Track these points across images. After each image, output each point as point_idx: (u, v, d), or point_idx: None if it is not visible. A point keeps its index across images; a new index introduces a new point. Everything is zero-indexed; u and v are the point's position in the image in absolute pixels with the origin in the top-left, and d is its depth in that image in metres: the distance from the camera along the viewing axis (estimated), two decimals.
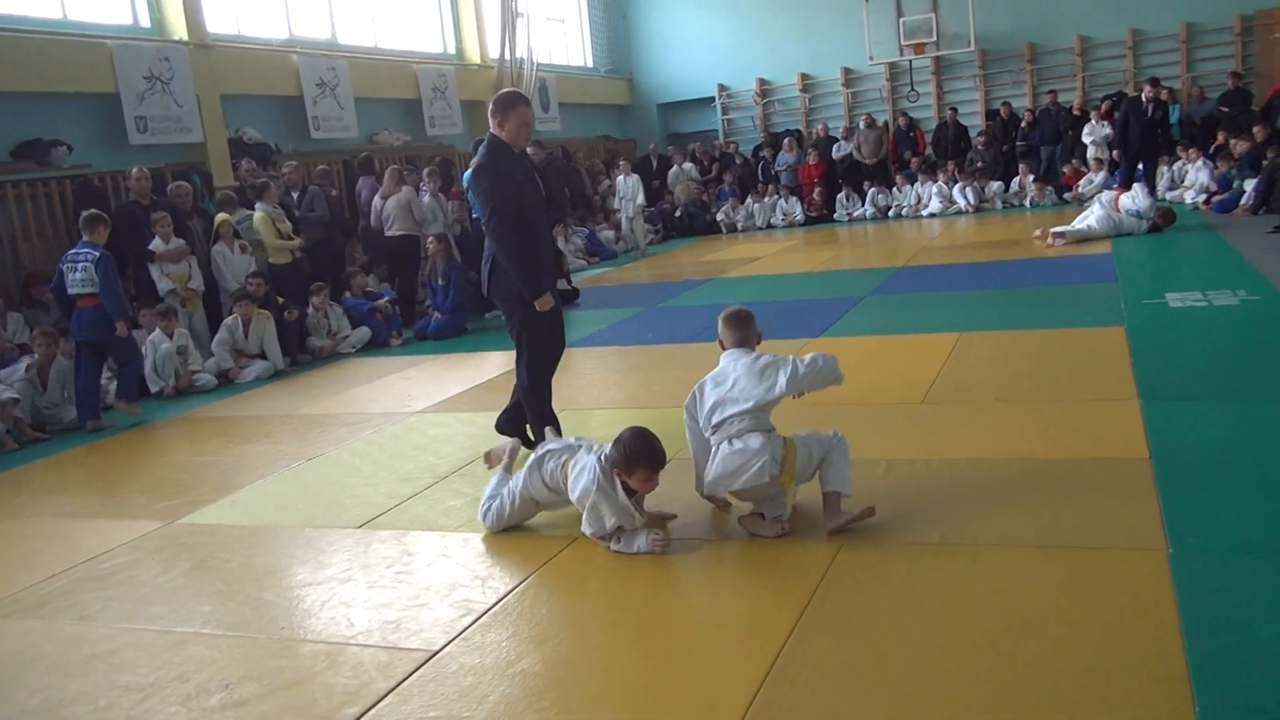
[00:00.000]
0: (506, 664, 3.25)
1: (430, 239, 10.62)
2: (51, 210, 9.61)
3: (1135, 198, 11.75)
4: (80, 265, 7.33)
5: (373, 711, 3.05)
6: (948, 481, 4.46)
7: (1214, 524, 3.71)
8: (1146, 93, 13.34)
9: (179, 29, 11.24)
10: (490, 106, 5.12)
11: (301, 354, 9.44)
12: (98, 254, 7.33)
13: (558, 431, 5.37)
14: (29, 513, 5.57)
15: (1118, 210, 11.64)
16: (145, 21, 11.20)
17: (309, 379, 8.61)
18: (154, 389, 8.38)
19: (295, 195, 10.72)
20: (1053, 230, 11.53)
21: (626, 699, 2.98)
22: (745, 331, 4.36)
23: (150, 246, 9.00)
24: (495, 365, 8.36)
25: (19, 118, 9.66)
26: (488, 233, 5.18)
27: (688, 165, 18.57)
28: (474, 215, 10.86)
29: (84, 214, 7.65)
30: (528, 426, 5.61)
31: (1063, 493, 4.17)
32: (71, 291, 7.34)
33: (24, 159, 9.61)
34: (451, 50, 16.49)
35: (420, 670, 3.27)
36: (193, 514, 5.17)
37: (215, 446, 6.62)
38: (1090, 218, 11.64)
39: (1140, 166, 13.58)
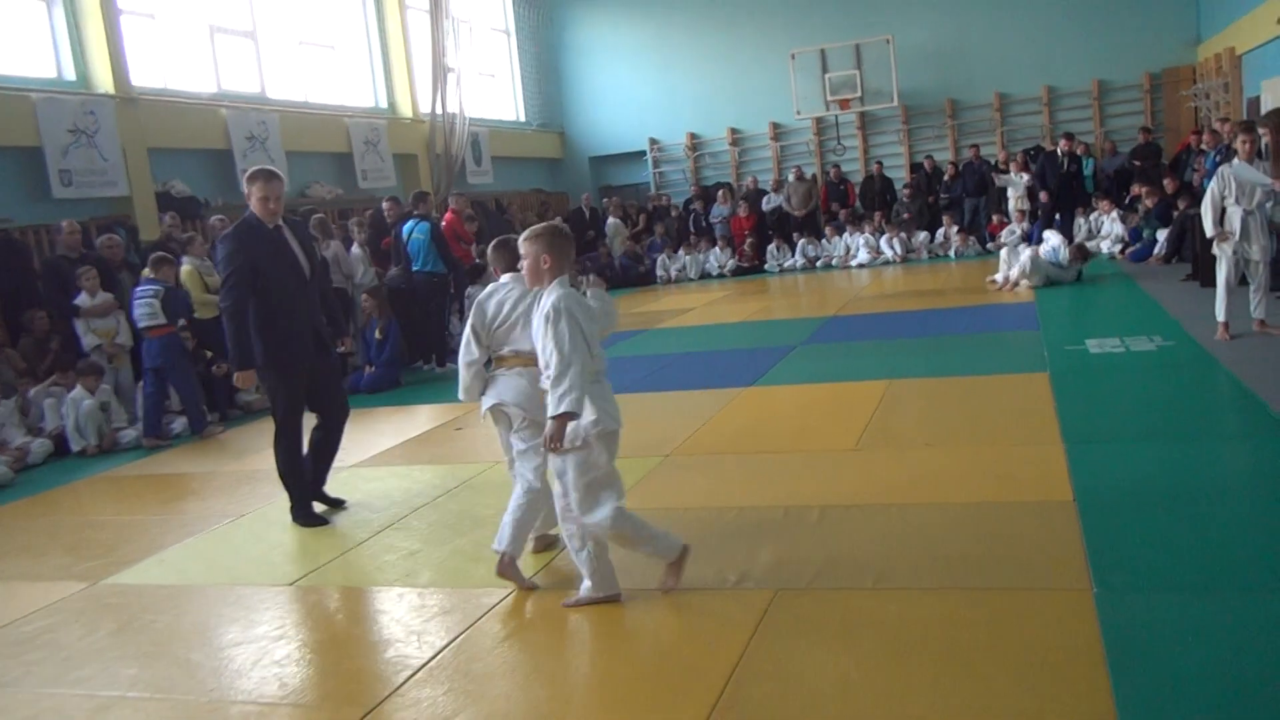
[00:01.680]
0: None
1: (364, 294, 10.55)
2: None
3: (1052, 247, 12.13)
4: (143, 300, 8.34)
5: None
6: (880, 526, 4.52)
7: (1137, 563, 3.82)
8: (1062, 146, 13.86)
9: (105, 82, 11.11)
10: (244, 181, 5.40)
11: (230, 409, 9.27)
12: (163, 289, 8.42)
13: (307, 517, 5.58)
14: None
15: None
16: (70, 74, 11.05)
17: (237, 435, 8.47)
18: (75, 448, 8.15)
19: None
20: (996, 277, 12.00)
21: None
22: (516, 257, 4.10)
23: (76, 301, 8.81)
24: (427, 418, 8.31)
25: None
26: (220, 300, 5.47)
27: (613, 220, 18.77)
28: (412, 266, 10.87)
29: (152, 255, 8.84)
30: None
31: (991, 535, 4.26)
32: (140, 325, 8.41)
33: None
34: (383, 104, 16.50)
35: None
36: (118, 574, 5.03)
37: (140, 505, 6.46)
38: (1019, 265, 11.94)
39: (1057, 217, 14.06)
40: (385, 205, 11.30)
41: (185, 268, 9.71)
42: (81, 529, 6.04)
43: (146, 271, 8.65)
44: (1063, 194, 13.94)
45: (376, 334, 10.18)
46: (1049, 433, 5.71)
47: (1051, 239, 12.37)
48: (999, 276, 12.14)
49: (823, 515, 4.73)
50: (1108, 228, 15.01)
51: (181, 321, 8.79)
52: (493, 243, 4.71)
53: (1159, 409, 6.24)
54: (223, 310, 5.40)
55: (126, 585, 4.87)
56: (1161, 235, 13.33)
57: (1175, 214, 13.34)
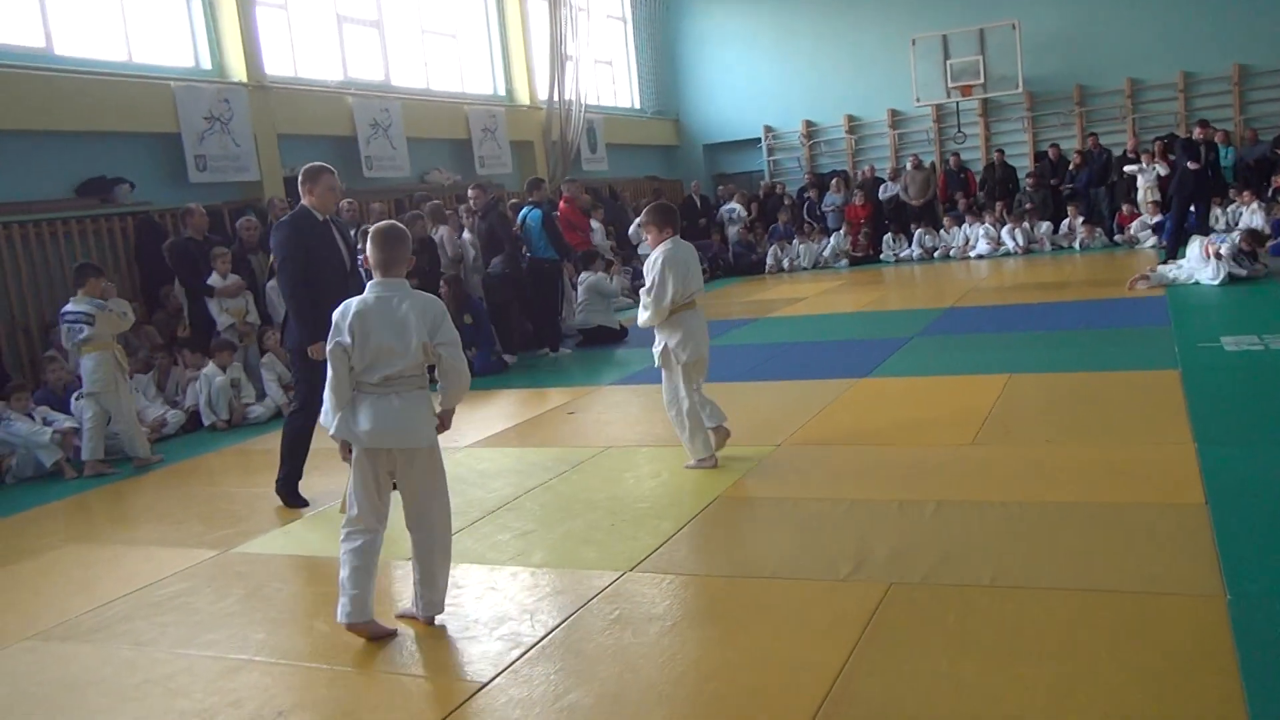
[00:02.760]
0: (554, 698, 3.26)
1: (443, 282, 10.56)
2: (114, 246, 9.86)
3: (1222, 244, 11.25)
4: None
5: None
6: (998, 523, 4.42)
7: (1273, 571, 3.64)
8: (1197, 134, 13.19)
9: (238, 71, 11.54)
10: (299, 177, 5.61)
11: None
12: None
13: (293, 495, 5.86)
14: (88, 540, 5.69)
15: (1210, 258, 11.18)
16: (206, 64, 11.51)
17: None
18: (207, 422, 8.52)
19: (353, 233, 10.88)
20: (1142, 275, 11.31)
21: None
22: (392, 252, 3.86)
23: (209, 281, 9.20)
24: (540, 402, 8.43)
25: (84, 156, 9.96)
26: (278, 284, 5.79)
27: (734, 206, 18.61)
28: (527, 252, 10.99)
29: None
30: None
31: (1116, 537, 4.12)
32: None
33: (88, 196, 9.89)
34: (502, 92, 16.75)
35: (469, 702, 3.29)
36: (246, 544, 5.25)
37: (267, 478, 6.68)
38: (1189, 267, 11.16)
39: (1193, 209, 13.31)
40: (472, 192, 11.08)
41: None
42: (213, 499, 6.32)
43: None
44: (1199, 187, 13.20)
45: (466, 319, 10.26)
46: (1180, 432, 5.49)
47: (1193, 250, 11.49)
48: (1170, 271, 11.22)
49: (938, 510, 4.64)
50: (1246, 219, 14.32)
51: None
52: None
53: None
54: (284, 292, 5.70)
55: (254, 554, 5.08)
56: None
57: None
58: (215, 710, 3.40)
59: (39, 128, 9.47)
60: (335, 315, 3.81)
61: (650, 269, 5.64)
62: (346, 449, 3.87)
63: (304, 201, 5.61)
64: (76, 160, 9.89)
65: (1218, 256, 10.85)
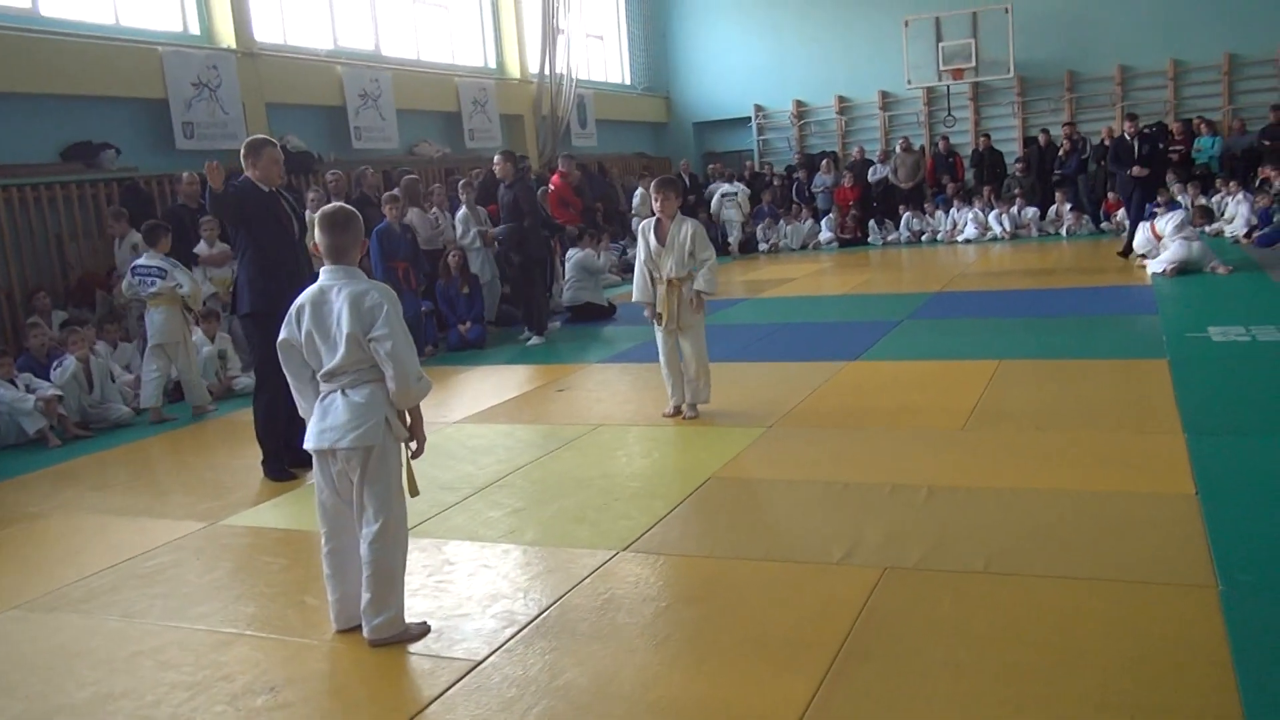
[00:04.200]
0: (549, 677, 3.25)
1: (452, 252, 10.51)
2: (99, 211, 9.74)
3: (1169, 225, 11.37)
4: None
5: (417, 718, 3.06)
6: (990, 509, 4.43)
7: (1265, 562, 3.67)
8: (1128, 130, 12.80)
9: (227, 37, 11.40)
10: (242, 151, 5.77)
11: None
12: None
13: (276, 472, 5.81)
14: (73, 508, 5.64)
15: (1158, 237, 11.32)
16: (195, 29, 11.36)
17: None
18: (146, 404, 8.41)
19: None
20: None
21: (668, 718, 2.97)
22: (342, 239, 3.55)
23: (195, 250, 9.10)
24: (530, 378, 8.40)
25: (69, 120, 9.82)
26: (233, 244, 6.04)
27: (724, 185, 18.44)
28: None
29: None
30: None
31: (1108, 525, 4.14)
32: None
33: (73, 160, 9.76)
34: (492, 64, 16.62)
35: (464, 680, 3.28)
36: (234, 516, 5.22)
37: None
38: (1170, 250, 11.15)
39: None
40: (497, 161, 10.77)
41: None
42: (200, 470, 6.28)
43: None
44: (1139, 183, 12.75)
45: (463, 289, 10.23)
46: (1169, 422, 5.52)
47: (1140, 237, 11.57)
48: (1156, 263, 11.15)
49: (931, 494, 4.65)
50: (1232, 209, 14.39)
51: None
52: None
53: None
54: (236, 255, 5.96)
55: (243, 527, 5.05)
56: None
57: None
58: (207, 684, 3.38)
59: (24, 90, 9.33)
60: (292, 307, 3.56)
61: (694, 241, 6.22)
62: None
63: (247, 174, 5.73)
64: (62, 124, 9.76)
65: (1158, 237, 10.99)
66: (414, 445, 3.63)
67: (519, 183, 10.18)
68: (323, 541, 3.64)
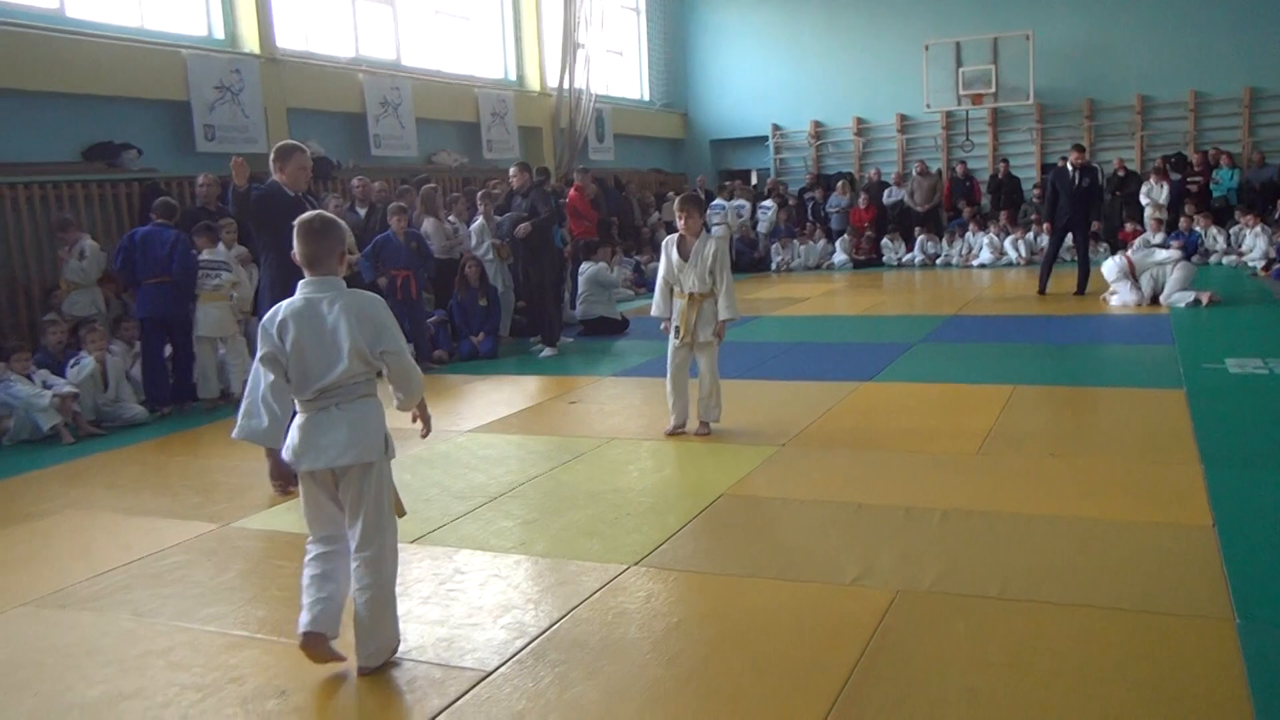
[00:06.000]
0: (559, 690, 3.24)
1: (469, 262, 10.48)
2: (119, 211, 9.78)
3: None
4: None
5: None
6: (1005, 535, 4.41)
7: None
8: (1072, 159, 12.60)
9: (251, 42, 11.48)
10: (271, 154, 5.86)
11: None
12: None
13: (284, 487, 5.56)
14: (85, 506, 5.64)
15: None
16: (219, 33, 11.44)
17: None
18: (203, 395, 8.46)
19: (362, 212, 10.82)
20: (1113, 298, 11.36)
21: None
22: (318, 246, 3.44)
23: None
24: (541, 389, 8.40)
25: (92, 120, 9.89)
26: (257, 251, 5.97)
27: (739, 202, 18.43)
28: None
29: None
30: None
31: (1124, 555, 4.12)
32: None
33: (95, 160, 9.82)
34: (512, 76, 16.69)
35: (473, 690, 3.27)
36: (246, 518, 5.21)
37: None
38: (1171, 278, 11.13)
39: (1071, 237, 12.73)
40: (513, 172, 10.72)
41: None
42: (211, 472, 6.28)
43: None
44: (1075, 213, 12.30)
45: (481, 301, 10.24)
46: (1185, 452, 5.49)
47: (1111, 267, 11.54)
48: (1115, 297, 11.30)
49: (944, 519, 4.63)
50: (1250, 242, 14.37)
51: None
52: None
53: None
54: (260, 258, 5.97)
55: (255, 530, 5.05)
56: None
57: None
58: (217, 685, 3.37)
59: (48, 89, 9.41)
60: (264, 320, 3.38)
61: (715, 259, 6.28)
62: (281, 475, 3.55)
63: (274, 177, 5.77)
64: (84, 124, 9.83)
65: (1133, 277, 10.89)
66: (423, 428, 3.69)
67: (535, 189, 10.18)
68: (315, 544, 3.48)
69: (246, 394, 3.41)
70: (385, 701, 3.25)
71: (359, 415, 3.37)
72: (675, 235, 6.40)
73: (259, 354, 3.36)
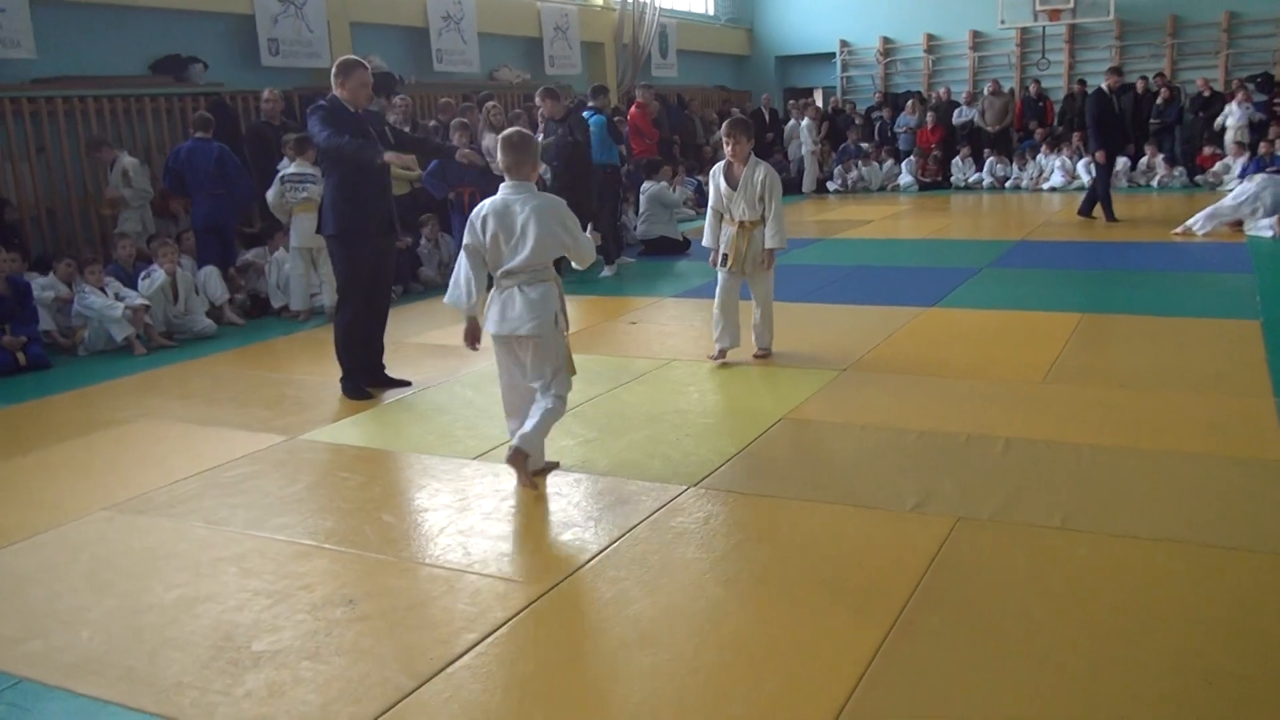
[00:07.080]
0: (619, 606, 3.29)
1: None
2: (186, 125, 9.86)
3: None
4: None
5: (491, 639, 3.12)
6: (1069, 465, 4.36)
7: None
8: (1109, 82, 12.20)
9: None
10: (333, 70, 5.80)
11: (413, 283, 9.60)
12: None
13: (354, 391, 5.96)
14: (158, 416, 5.81)
15: None
16: None
17: (420, 309, 8.75)
18: (276, 305, 8.61)
19: (408, 129, 10.76)
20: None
21: (737, 654, 3.00)
22: (520, 156, 4.27)
23: (278, 167, 9.18)
24: (602, 310, 8.41)
25: (160, 33, 9.93)
26: (328, 150, 5.73)
27: (806, 122, 18.03)
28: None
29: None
30: None
31: (1193, 488, 4.05)
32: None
33: (162, 73, 9.89)
34: None
35: (535, 604, 3.33)
36: (313, 431, 5.33)
37: (335, 367, 6.78)
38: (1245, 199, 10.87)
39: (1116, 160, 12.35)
40: (540, 100, 9.98)
41: None
42: (280, 385, 6.41)
43: None
44: (1110, 139, 12.08)
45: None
46: (1259, 385, 5.35)
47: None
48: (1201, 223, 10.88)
49: (1008, 447, 4.58)
50: None
51: None
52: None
53: None
54: (332, 148, 5.60)
55: (322, 443, 5.16)
56: None
57: None
58: (287, 593, 3.48)
59: (116, 2, 9.44)
60: (471, 215, 4.25)
61: (765, 186, 6.12)
62: (473, 336, 4.37)
63: (335, 93, 5.74)
64: (152, 37, 9.88)
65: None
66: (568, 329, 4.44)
67: (572, 115, 9.91)
68: (503, 391, 4.51)
69: (454, 271, 4.34)
70: (450, 611, 3.33)
71: (536, 296, 4.20)
72: (723, 162, 6.27)
73: (464, 242, 4.27)
